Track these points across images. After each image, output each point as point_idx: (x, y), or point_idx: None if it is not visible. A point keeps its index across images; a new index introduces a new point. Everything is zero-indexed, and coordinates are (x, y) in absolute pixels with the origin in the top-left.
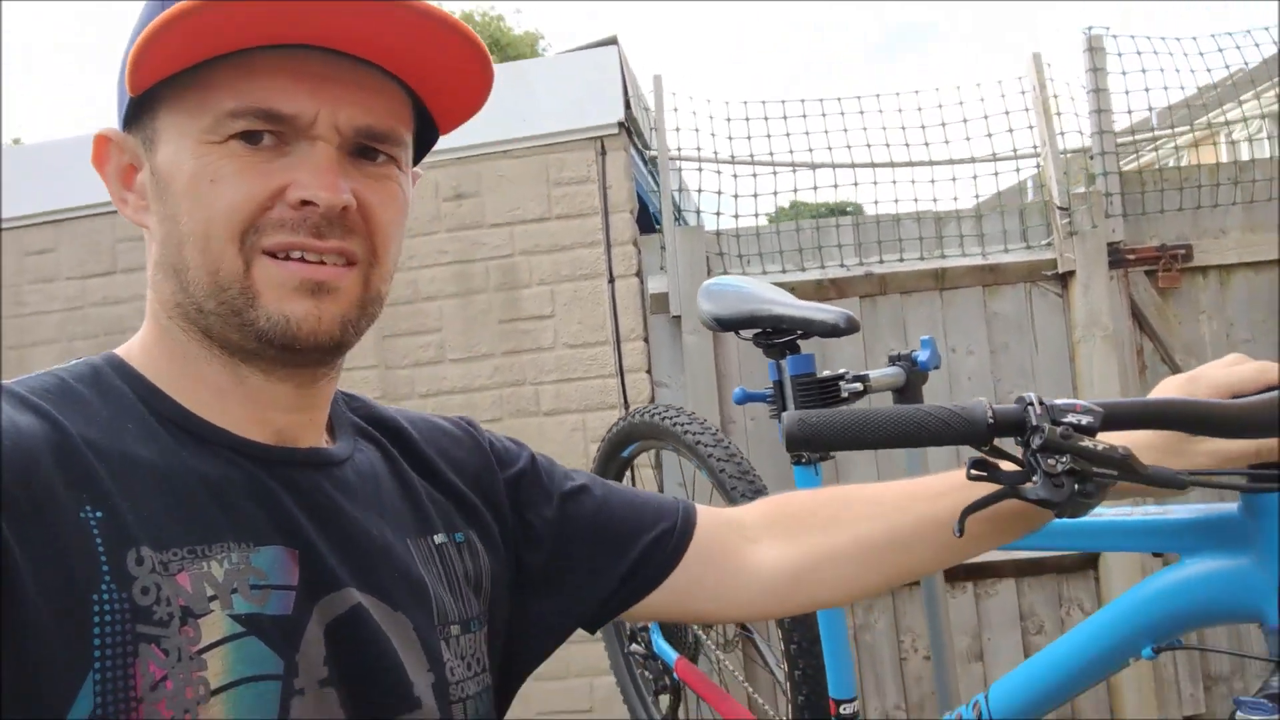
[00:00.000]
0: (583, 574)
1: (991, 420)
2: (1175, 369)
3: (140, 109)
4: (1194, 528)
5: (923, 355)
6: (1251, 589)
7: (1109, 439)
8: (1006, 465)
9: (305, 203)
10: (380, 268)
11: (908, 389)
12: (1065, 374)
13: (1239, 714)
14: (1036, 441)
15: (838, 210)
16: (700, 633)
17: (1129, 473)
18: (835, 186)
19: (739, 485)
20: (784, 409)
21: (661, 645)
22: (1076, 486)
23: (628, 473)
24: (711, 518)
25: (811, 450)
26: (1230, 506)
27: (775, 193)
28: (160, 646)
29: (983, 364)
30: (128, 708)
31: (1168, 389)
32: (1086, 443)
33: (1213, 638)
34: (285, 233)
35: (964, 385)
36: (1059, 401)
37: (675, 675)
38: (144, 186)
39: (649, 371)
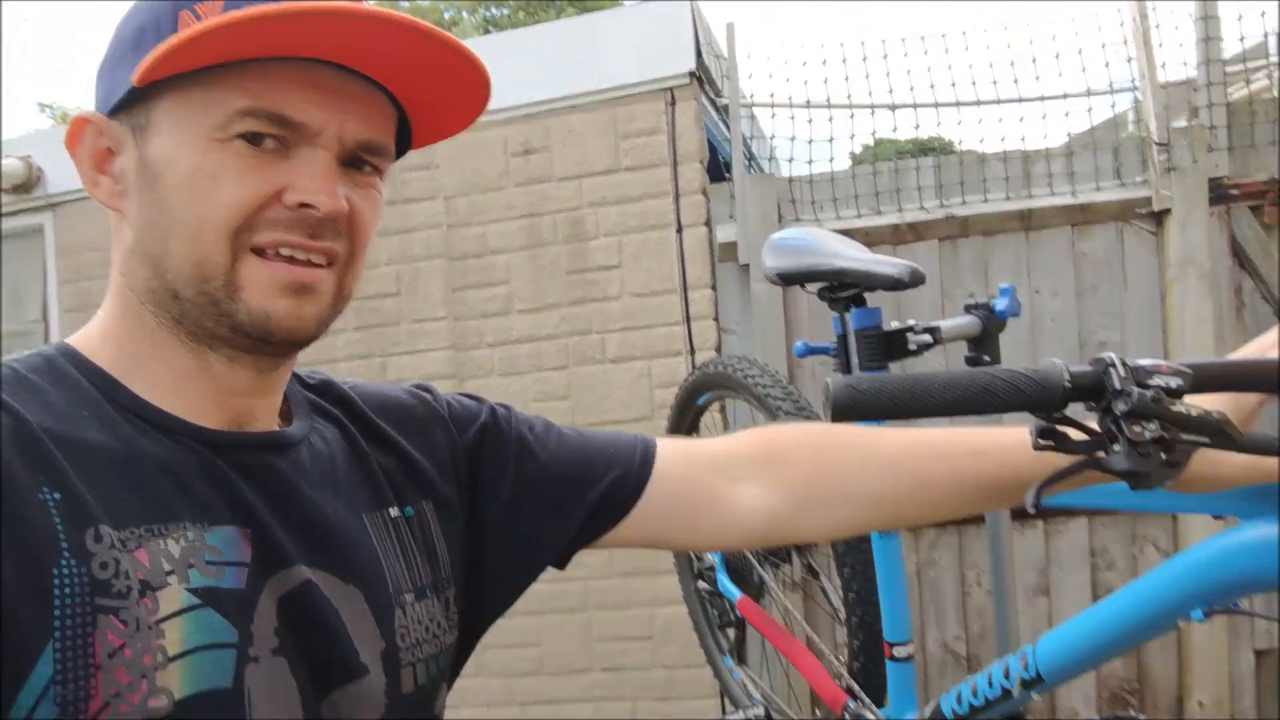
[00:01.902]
0: (543, 519)
1: (1069, 384)
2: (1278, 307)
3: (135, 98)
4: (1254, 492)
5: (1001, 303)
6: None
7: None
8: (1075, 433)
9: (304, 205)
10: (354, 269)
11: (984, 339)
12: (1155, 316)
13: None
14: (1121, 407)
15: (925, 149)
16: (765, 574)
17: (1224, 440)
18: (917, 127)
19: None
20: (848, 363)
21: (726, 584)
22: (1164, 455)
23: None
24: (686, 455)
25: (860, 419)
26: None
27: (852, 136)
28: (119, 617)
29: (1068, 306)
30: (87, 674)
31: (1270, 343)
32: (1179, 407)
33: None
34: (280, 231)
35: (1047, 328)
36: (1143, 362)
37: (738, 612)
38: (123, 173)
39: (716, 319)
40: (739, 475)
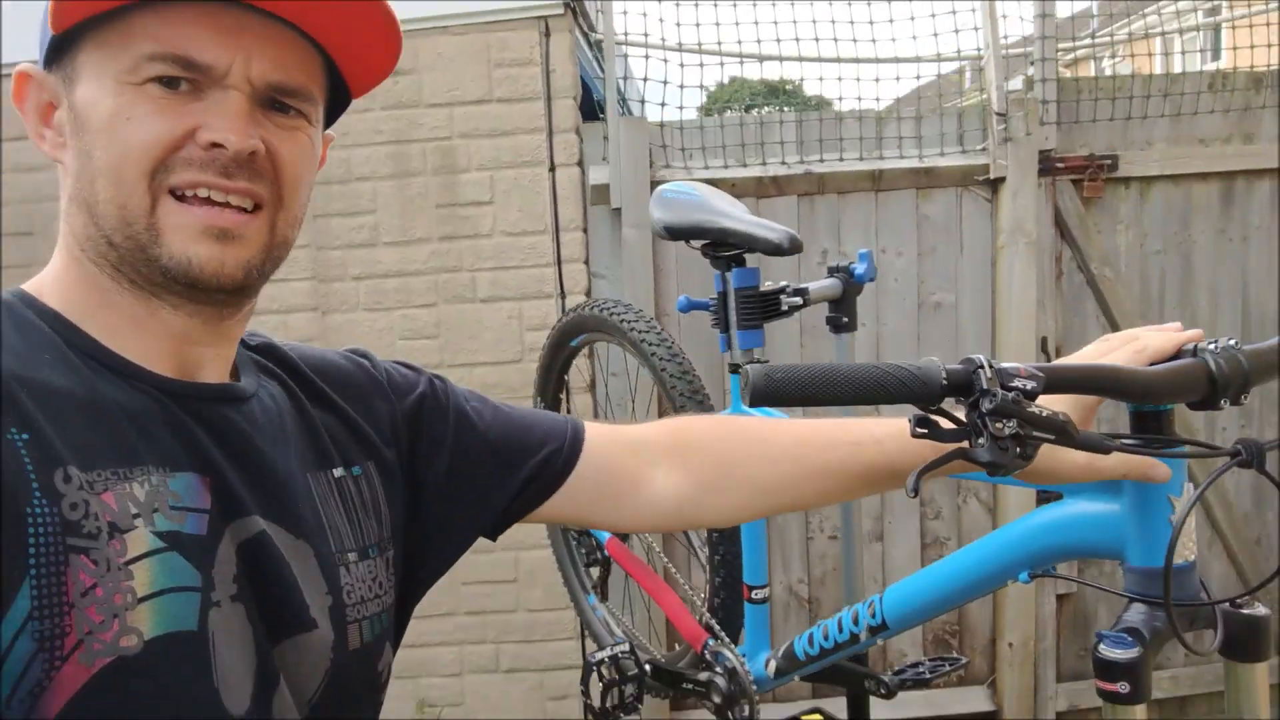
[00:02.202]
0: (480, 490)
1: (945, 381)
2: (1090, 276)
3: (62, 48)
4: None
5: (859, 268)
6: (1119, 533)
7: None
8: (945, 423)
9: (214, 145)
10: (286, 213)
11: (843, 300)
12: (987, 279)
13: (1102, 646)
14: (987, 405)
15: (774, 91)
16: None
17: (1065, 437)
18: (800, 79)
19: (679, 385)
20: (726, 319)
21: None
22: (1019, 450)
23: (574, 361)
24: (611, 438)
25: (774, 405)
26: None
27: (700, 85)
28: (90, 557)
29: (910, 266)
30: (61, 611)
31: (1109, 349)
32: (1033, 408)
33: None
34: (193, 171)
35: (890, 288)
36: (1005, 365)
37: (605, 552)
38: (62, 124)
39: (586, 263)
40: (655, 460)
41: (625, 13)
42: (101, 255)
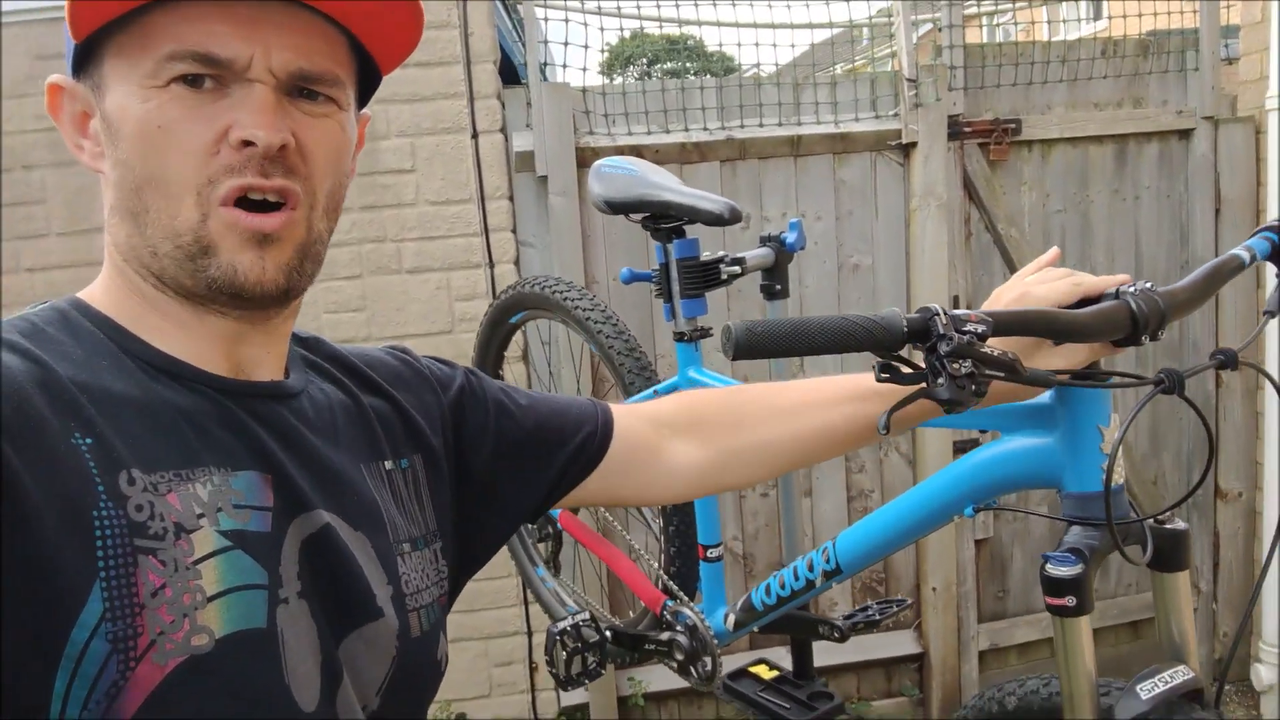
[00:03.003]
0: (526, 473)
1: (906, 329)
2: (997, 236)
3: (87, 56)
4: (1015, 412)
5: (790, 237)
6: (1055, 463)
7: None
8: (905, 369)
9: (246, 143)
10: (318, 208)
11: (776, 268)
12: (901, 240)
13: (1048, 566)
14: (944, 348)
15: (678, 45)
16: None
17: (1013, 374)
18: (699, 34)
19: (626, 362)
20: (669, 290)
21: None
22: (973, 387)
23: (514, 337)
24: (633, 417)
25: (754, 358)
26: (1044, 396)
27: (609, 46)
28: (158, 558)
29: (829, 230)
30: (132, 612)
31: (1005, 299)
32: (984, 349)
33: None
34: (235, 177)
35: (811, 251)
36: (957, 312)
37: (559, 525)
38: (97, 133)
39: (514, 231)
40: (674, 433)
41: None
42: (144, 265)
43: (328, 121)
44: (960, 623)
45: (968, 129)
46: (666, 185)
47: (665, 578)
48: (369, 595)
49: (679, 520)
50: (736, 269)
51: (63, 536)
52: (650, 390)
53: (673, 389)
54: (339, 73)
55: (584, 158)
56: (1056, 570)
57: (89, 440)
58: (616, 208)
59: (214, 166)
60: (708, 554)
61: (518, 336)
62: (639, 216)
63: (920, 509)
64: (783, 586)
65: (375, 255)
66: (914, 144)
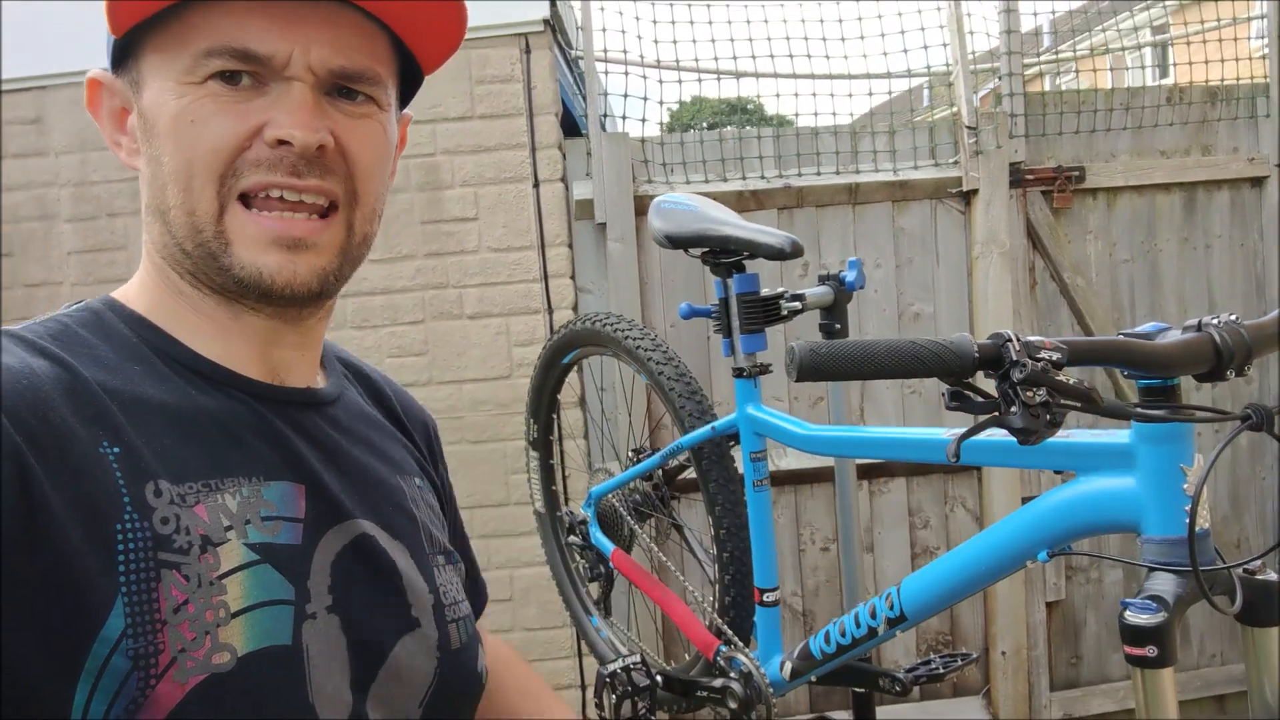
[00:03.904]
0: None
1: (977, 355)
2: (1062, 285)
3: (126, 51)
4: (1091, 451)
5: (849, 275)
6: (1135, 505)
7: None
8: (976, 397)
9: (281, 142)
10: (363, 208)
11: (835, 307)
12: (963, 288)
13: (1127, 613)
14: (1018, 375)
15: (737, 108)
16: (635, 526)
17: (1091, 405)
18: (758, 96)
19: (678, 388)
20: (729, 325)
21: (599, 537)
22: (1048, 417)
23: (567, 380)
24: (494, 646)
25: (819, 379)
26: (1121, 433)
27: (677, 101)
28: (181, 572)
29: (889, 277)
30: (154, 628)
31: None
32: (1060, 377)
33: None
34: (262, 172)
35: (870, 298)
36: (1031, 339)
37: (611, 564)
38: (134, 129)
39: (573, 277)
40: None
41: (604, 29)
42: (178, 263)
43: (369, 122)
44: (1031, 689)
45: (1030, 176)
46: (726, 220)
47: (719, 621)
48: (405, 605)
49: (733, 558)
50: (797, 304)
51: (86, 550)
52: (709, 428)
53: (730, 426)
54: (379, 70)
55: (642, 205)
56: (1137, 618)
57: (116, 449)
58: (677, 242)
59: (240, 160)
60: (764, 598)
61: (572, 379)
62: (699, 251)
63: (991, 553)
64: (843, 634)
65: (437, 301)
66: (975, 191)
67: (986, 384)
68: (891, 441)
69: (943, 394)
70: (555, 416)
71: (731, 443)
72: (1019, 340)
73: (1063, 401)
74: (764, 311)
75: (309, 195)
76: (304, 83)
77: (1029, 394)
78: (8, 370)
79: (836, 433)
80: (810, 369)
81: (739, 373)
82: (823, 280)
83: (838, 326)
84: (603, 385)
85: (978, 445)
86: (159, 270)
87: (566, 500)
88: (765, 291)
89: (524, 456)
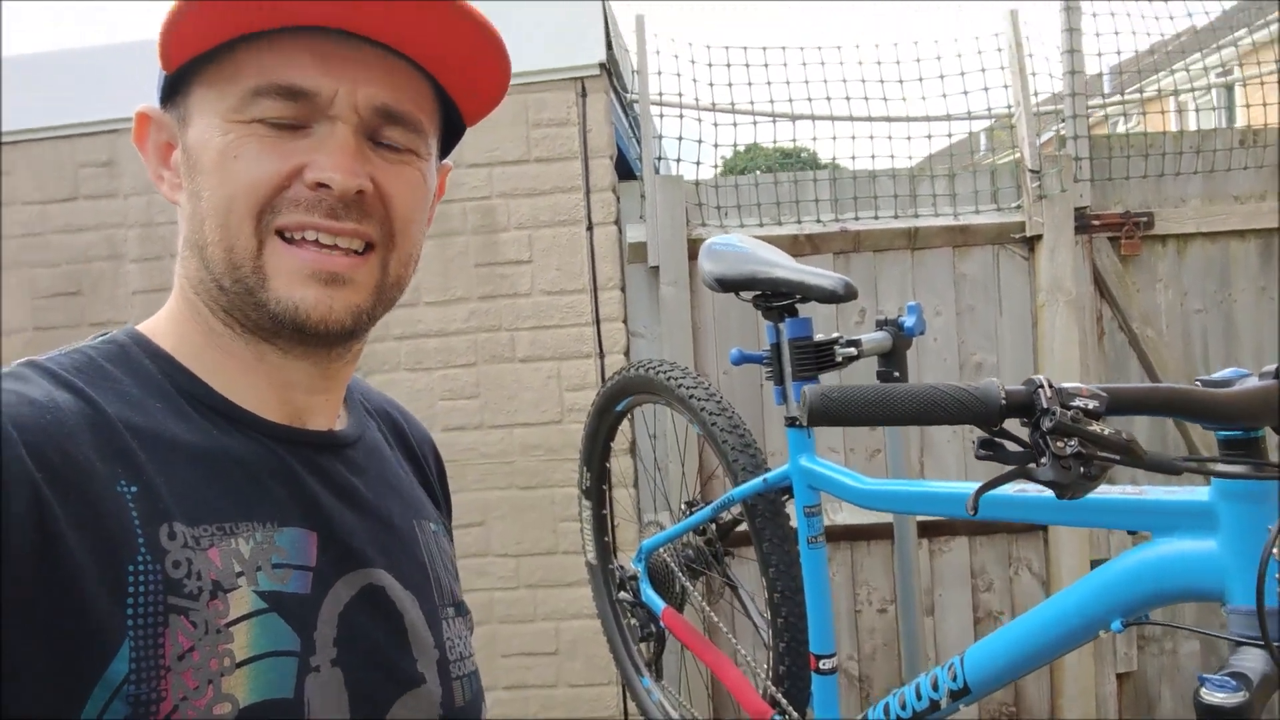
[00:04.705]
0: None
1: (1004, 401)
2: (1132, 336)
3: (175, 87)
4: (1167, 509)
5: (909, 321)
6: (1217, 570)
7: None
8: (1011, 446)
9: (321, 185)
10: (399, 252)
11: (894, 353)
12: (1028, 337)
13: (1204, 690)
14: (1047, 424)
15: (793, 156)
16: (687, 584)
17: (1131, 457)
18: (814, 139)
19: (730, 439)
20: (780, 371)
21: (650, 594)
22: (1082, 469)
23: (620, 427)
24: None
25: (832, 425)
26: (1201, 491)
27: (731, 144)
28: (189, 619)
29: (949, 325)
30: (157, 675)
31: None
32: (1094, 427)
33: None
34: (300, 212)
35: (930, 347)
36: (1066, 385)
37: (661, 623)
38: (177, 164)
39: (625, 321)
40: None
41: (660, 73)
42: (213, 299)
43: (408, 169)
44: None
45: (1096, 222)
46: (778, 262)
47: (773, 690)
48: (409, 660)
49: (788, 624)
50: (852, 350)
51: (98, 592)
52: (760, 479)
53: (783, 479)
54: (421, 118)
55: (695, 249)
56: (1213, 696)
57: (134, 488)
58: (727, 285)
59: (279, 199)
60: (820, 665)
61: (625, 427)
62: (750, 295)
63: (1061, 622)
64: (903, 706)
65: (490, 344)
66: (1039, 237)
67: (1024, 432)
68: (955, 498)
69: (973, 442)
70: (608, 465)
71: (785, 496)
72: (1050, 386)
73: (1100, 454)
74: (817, 357)
75: (344, 240)
76: (347, 124)
77: (1059, 444)
78: (32, 404)
79: (895, 487)
80: (820, 413)
81: (791, 422)
82: (880, 325)
83: (896, 375)
84: (654, 432)
85: (1024, 501)
86: (191, 306)
87: (615, 551)
88: (819, 337)
89: (573, 504)
